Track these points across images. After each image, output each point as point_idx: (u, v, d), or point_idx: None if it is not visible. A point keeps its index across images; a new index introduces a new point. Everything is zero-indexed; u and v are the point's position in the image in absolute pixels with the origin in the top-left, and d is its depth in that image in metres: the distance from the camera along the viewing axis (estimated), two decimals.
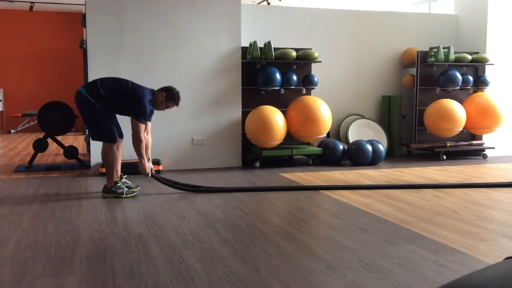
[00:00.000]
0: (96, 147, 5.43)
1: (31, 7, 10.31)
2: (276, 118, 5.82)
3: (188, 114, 5.80)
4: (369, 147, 6.12)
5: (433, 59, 6.65)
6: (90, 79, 5.54)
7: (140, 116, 4.25)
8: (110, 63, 5.58)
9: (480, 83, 6.84)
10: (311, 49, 6.34)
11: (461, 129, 6.59)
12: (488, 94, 6.82)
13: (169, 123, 5.73)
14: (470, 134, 7.03)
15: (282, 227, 3.41)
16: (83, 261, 2.71)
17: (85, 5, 5.53)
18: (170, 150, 5.83)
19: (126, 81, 4.41)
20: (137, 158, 4.33)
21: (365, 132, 6.80)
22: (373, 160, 6.14)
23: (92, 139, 4.44)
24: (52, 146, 6.78)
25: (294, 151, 6.09)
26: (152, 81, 5.72)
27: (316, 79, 6.25)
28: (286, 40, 6.52)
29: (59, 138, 6.51)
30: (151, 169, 4.43)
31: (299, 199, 4.28)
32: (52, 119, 6.05)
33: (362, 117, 6.95)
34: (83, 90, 4.30)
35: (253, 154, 6.07)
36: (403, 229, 3.36)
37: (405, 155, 7.06)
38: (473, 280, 1.02)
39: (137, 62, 5.68)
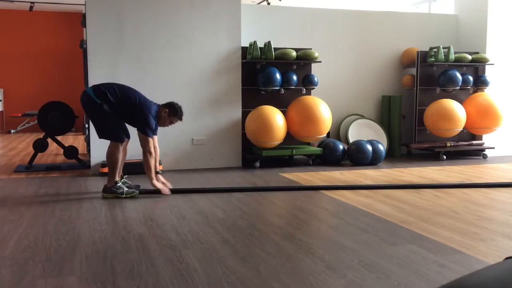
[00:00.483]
0: (96, 147, 5.44)
1: (31, 7, 10.31)
2: (276, 118, 5.82)
3: (188, 114, 5.78)
4: (369, 147, 6.12)
5: (433, 59, 6.65)
6: (90, 79, 5.55)
7: (147, 130, 4.27)
8: (110, 63, 5.59)
9: (480, 83, 6.85)
10: (311, 49, 6.34)
11: (461, 129, 6.59)
12: (488, 94, 6.82)
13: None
14: (470, 134, 7.03)
15: (282, 227, 3.41)
16: (83, 261, 2.71)
17: (85, 5, 5.54)
18: (170, 150, 5.83)
19: (134, 94, 4.37)
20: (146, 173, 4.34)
21: (365, 132, 6.80)
22: (373, 160, 6.14)
23: (100, 137, 4.41)
24: (52, 146, 6.79)
25: (294, 151, 6.09)
26: (152, 81, 5.74)
27: (316, 79, 6.25)
28: (286, 40, 6.52)
29: (59, 138, 6.52)
30: (164, 184, 4.39)
31: (299, 199, 4.28)
32: (52, 119, 6.05)
33: (362, 117, 6.95)
34: (90, 91, 4.29)
35: (253, 154, 6.07)
36: (403, 229, 3.36)
37: (405, 155, 7.07)
38: (473, 280, 1.02)
39: (137, 62, 5.68)
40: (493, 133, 6.84)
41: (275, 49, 6.12)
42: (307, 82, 6.25)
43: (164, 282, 2.42)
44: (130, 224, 3.47)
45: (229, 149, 6.06)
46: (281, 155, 6.14)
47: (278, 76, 6.03)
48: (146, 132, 4.26)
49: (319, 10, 6.89)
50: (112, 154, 4.36)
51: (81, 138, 9.75)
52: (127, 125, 4.51)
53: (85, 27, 5.61)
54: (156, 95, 5.73)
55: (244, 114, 6.06)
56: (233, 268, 2.60)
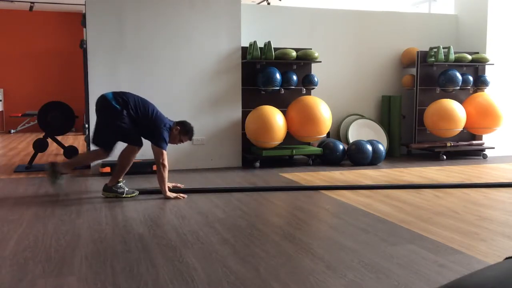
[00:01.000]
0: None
1: (31, 7, 10.31)
2: (276, 118, 5.82)
3: (188, 114, 5.79)
4: (369, 147, 6.12)
5: (433, 59, 6.65)
6: (90, 79, 5.56)
7: (162, 143, 4.27)
8: (110, 63, 5.59)
9: (480, 83, 6.85)
10: (311, 49, 6.34)
11: (461, 129, 6.59)
12: (488, 94, 6.82)
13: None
14: (470, 134, 7.03)
15: (282, 227, 3.41)
16: (83, 261, 2.71)
17: (85, 5, 5.54)
18: (170, 150, 5.81)
19: (150, 106, 4.39)
20: (160, 187, 4.33)
21: (365, 132, 6.80)
22: (373, 160, 6.14)
23: (110, 141, 4.32)
24: (52, 146, 6.79)
25: (294, 151, 6.09)
26: (152, 81, 5.75)
27: (316, 79, 6.25)
28: (286, 40, 6.53)
29: (59, 138, 6.52)
30: (178, 195, 4.36)
31: (299, 199, 4.28)
32: (52, 119, 6.05)
33: (362, 117, 6.95)
34: (110, 96, 4.26)
35: (253, 154, 6.07)
36: (403, 229, 3.36)
37: (405, 155, 7.07)
38: (473, 280, 1.02)
39: (137, 62, 5.68)
40: (493, 133, 6.84)
41: (275, 49, 6.12)
42: (307, 82, 6.25)
43: (164, 282, 2.42)
44: (130, 224, 3.48)
45: (229, 149, 6.06)
46: (281, 155, 6.14)
47: (278, 76, 6.03)
48: (160, 145, 4.26)
49: (319, 10, 6.89)
50: (127, 156, 4.37)
51: (81, 138, 9.75)
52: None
53: (85, 27, 5.61)
54: (156, 95, 5.75)
55: (244, 114, 6.06)
56: (233, 268, 2.60)
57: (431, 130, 6.67)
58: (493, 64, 6.92)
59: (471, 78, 6.80)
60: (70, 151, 6.09)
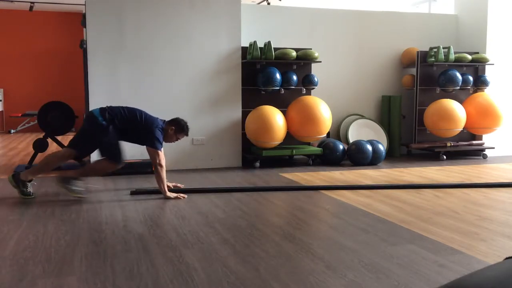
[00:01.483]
0: None
1: (31, 7, 10.31)
2: (276, 118, 5.82)
3: (188, 114, 5.79)
4: (369, 147, 6.12)
5: (433, 59, 6.65)
6: (90, 79, 5.56)
7: (156, 143, 4.29)
8: (110, 63, 5.59)
9: (480, 83, 6.85)
10: (311, 49, 6.34)
11: (461, 129, 6.59)
12: (488, 94, 6.82)
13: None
14: (470, 134, 7.03)
15: (282, 227, 3.41)
16: (83, 261, 2.71)
17: (85, 5, 5.54)
18: (169, 150, 5.83)
19: (138, 111, 4.43)
20: (158, 186, 4.33)
21: (365, 132, 6.80)
22: (373, 160, 6.14)
23: (102, 155, 4.39)
24: (52, 146, 6.78)
25: (294, 151, 6.09)
26: (152, 81, 5.74)
27: (316, 79, 6.25)
28: (286, 40, 6.53)
29: (59, 138, 6.51)
30: (178, 195, 4.35)
31: (299, 199, 4.28)
32: (52, 119, 6.05)
33: (362, 117, 6.95)
34: (97, 113, 4.30)
35: (253, 154, 6.07)
36: (403, 229, 3.36)
37: (405, 155, 7.07)
38: (473, 280, 1.02)
39: (137, 62, 5.68)
40: (493, 133, 6.84)
41: (275, 49, 6.12)
42: (307, 82, 6.25)
43: (164, 282, 2.42)
44: (130, 224, 3.48)
45: (229, 149, 6.06)
46: (281, 155, 6.14)
47: (278, 76, 6.03)
48: (154, 145, 4.28)
49: (319, 10, 6.89)
50: (101, 169, 4.42)
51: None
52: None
53: (85, 27, 5.61)
54: (156, 95, 5.76)
55: (244, 114, 6.06)
56: (233, 268, 2.60)
57: (431, 130, 6.67)
58: (493, 64, 6.92)
59: (471, 78, 6.80)
60: None
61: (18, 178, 4.31)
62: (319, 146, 6.33)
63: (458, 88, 6.74)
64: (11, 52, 11.67)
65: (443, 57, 6.61)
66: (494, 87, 6.97)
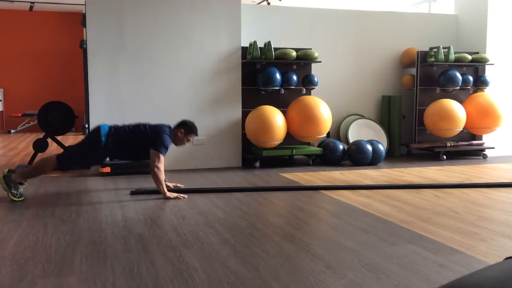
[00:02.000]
0: None
1: (31, 7, 10.32)
2: (276, 118, 5.82)
3: (188, 114, 5.80)
4: (369, 147, 6.12)
5: (433, 59, 6.65)
6: (90, 79, 5.55)
7: (161, 147, 4.30)
8: (110, 63, 5.59)
9: (480, 83, 6.85)
10: (311, 49, 6.34)
11: (461, 129, 6.59)
12: (488, 94, 6.82)
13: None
14: (470, 134, 7.04)
15: (282, 227, 3.41)
16: (83, 261, 2.71)
17: (85, 5, 5.54)
18: (170, 150, 5.81)
19: (141, 124, 4.47)
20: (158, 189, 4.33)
21: (365, 132, 6.80)
22: (373, 160, 6.14)
23: (62, 155, 4.40)
24: (52, 146, 6.78)
25: (294, 151, 6.09)
26: (152, 81, 5.74)
27: (316, 79, 6.25)
28: (286, 40, 6.53)
29: (59, 138, 6.51)
30: (178, 195, 4.34)
31: (299, 199, 4.28)
32: (52, 119, 6.05)
33: (362, 117, 6.95)
34: (104, 133, 4.31)
35: (253, 154, 6.07)
36: (403, 229, 3.36)
37: (405, 155, 7.07)
38: (473, 280, 1.02)
39: (137, 62, 5.68)
40: (493, 133, 6.84)
41: (275, 49, 6.12)
42: (307, 82, 6.25)
43: (164, 282, 2.42)
44: (130, 224, 3.48)
45: (229, 149, 6.06)
46: (281, 155, 6.14)
47: (278, 76, 6.03)
48: (159, 149, 4.29)
49: (319, 10, 6.89)
50: (46, 166, 4.33)
51: (81, 138, 9.74)
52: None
53: (85, 27, 5.61)
54: (156, 95, 5.76)
55: (244, 114, 6.06)
56: (233, 268, 2.60)
57: (431, 130, 6.67)
58: (493, 64, 6.92)
59: (471, 78, 6.80)
60: None
61: (11, 181, 4.25)
62: (319, 146, 6.33)
63: (458, 88, 6.74)
64: (11, 52, 11.67)
65: (443, 57, 6.61)
66: (494, 87, 6.97)
